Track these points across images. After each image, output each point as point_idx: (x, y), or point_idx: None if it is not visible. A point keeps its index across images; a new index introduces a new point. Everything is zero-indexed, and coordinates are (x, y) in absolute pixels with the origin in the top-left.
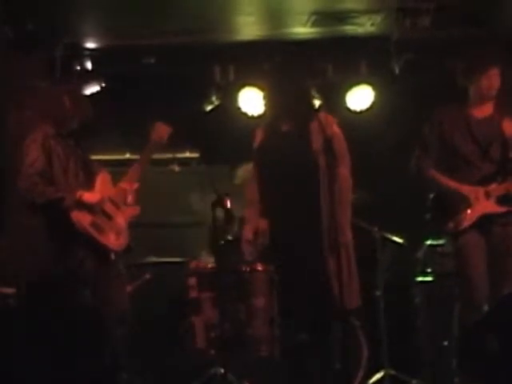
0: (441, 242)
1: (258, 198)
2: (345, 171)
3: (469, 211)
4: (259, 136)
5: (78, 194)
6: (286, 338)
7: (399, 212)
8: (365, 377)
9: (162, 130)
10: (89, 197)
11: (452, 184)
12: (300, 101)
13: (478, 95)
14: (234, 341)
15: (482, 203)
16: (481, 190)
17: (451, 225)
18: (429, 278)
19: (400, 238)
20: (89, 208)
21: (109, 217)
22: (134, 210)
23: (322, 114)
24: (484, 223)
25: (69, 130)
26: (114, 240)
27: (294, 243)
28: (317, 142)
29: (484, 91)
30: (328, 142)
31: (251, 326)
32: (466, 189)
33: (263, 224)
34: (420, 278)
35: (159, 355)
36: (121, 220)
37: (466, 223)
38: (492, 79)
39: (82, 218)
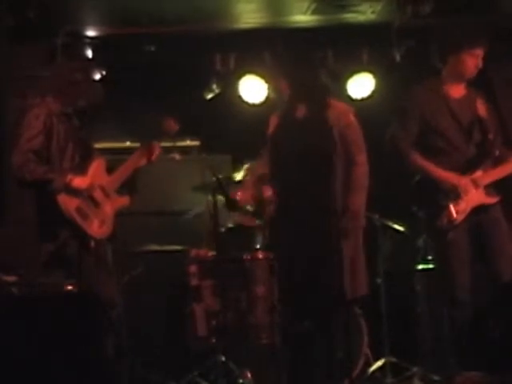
0: None
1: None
2: (362, 158)
3: (461, 204)
4: (273, 123)
5: (68, 177)
6: (287, 326)
7: (400, 200)
8: (366, 364)
9: (170, 126)
10: (78, 182)
11: (438, 172)
12: (314, 88)
13: (456, 74)
14: (235, 329)
15: (472, 194)
16: (468, 179)
17: (444, 220)
18: (430, 266)
19: (401, 225)
20: (76, 193)
21: (96, 204)
22: (124, 200)
23: (338, 103)
24: (471, 219)
25: (76, 108)
26: (96, 227)
27: (305, 229)
28: (335, 129)
29: (466, 70)
30: (345, 130)
31: (252, 313)
32: (454, 178)
33: (269, 192)
34: (421, 266)
35: (160, 344)
36: (108, 208)
37: (460, 218)
38: (477, 59)
39: (67, 202)
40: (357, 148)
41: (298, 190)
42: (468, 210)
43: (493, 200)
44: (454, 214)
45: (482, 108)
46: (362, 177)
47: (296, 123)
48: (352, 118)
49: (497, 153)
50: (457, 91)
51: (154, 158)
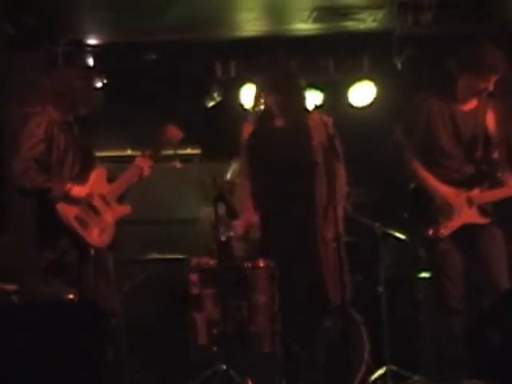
0: None
1: (249, 194)
2: (342, 169)
3: (450, 221)
4: (249, 131)
5: (68, 186)
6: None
7: (401, 208)
8: (367, 372)
9: (173, 134)
10: (77, 190)
11: (437, 185)
12: (295, 97)
13: (469, 92)
14: (236, 337)
15: (464, 212)
16: (463, 196)
17: (430, 232)
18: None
19: (402, 233)
20: (76, 201)
21: (96, 212)
22: (125, 209)
23: (317, 114)
24: (463, 230)
25: (77, 116)
26: (96, 236)
27: (288, 238)
28: (316, 139)
29: (478, 92)
30: (328, 140)
31: (253, 322)
32: (449, 195)
33: (255, 219)
34: (422, 274)
35: (161, 352)
36: (108, 217)
37: (446, 232)
38: (491, 84)
39: (67, 211)
40: (338, 159)
41: (282, 199)
42: (457, 226)
43: (485, 220)
44: (442, 229)
45: (491, 121)
46: (342, 187)
47: (277, 132)
48: (332, 129)
49: (499, 174)
50: (467, 104)
51: (144, 174)
